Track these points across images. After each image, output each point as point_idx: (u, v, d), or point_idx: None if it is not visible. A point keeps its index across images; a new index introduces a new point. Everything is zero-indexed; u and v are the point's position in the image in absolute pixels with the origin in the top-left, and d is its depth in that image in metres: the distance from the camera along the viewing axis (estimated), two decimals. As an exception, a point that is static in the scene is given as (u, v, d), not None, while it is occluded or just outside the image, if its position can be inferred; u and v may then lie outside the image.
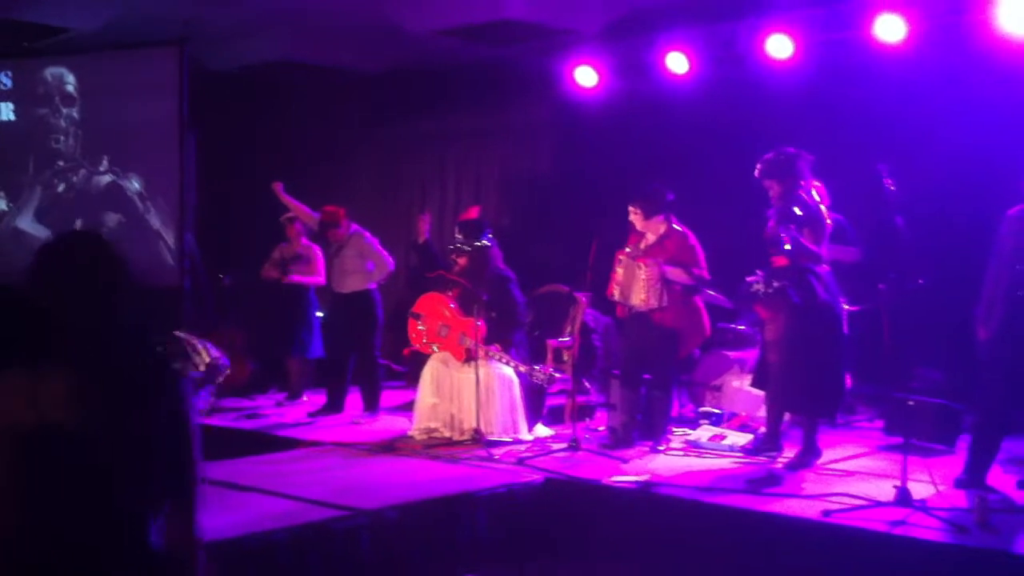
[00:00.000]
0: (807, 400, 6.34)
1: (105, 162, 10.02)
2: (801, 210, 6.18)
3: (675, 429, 7.34)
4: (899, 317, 7.23)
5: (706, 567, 5.39)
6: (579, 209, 10.16)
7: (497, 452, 6.83)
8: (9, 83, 10.19)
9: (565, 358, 8.18)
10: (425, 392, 7.48)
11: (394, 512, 5.46)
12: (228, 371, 5.55)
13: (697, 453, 6.80)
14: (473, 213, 8.14)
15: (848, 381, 6.94)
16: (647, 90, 9.60)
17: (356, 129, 11.74)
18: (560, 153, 10.95)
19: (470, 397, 7.20)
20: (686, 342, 7.15)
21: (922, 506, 5.19)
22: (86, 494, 2.33)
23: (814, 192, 6.38)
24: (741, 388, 7.74)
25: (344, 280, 8.67)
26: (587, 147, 10.45)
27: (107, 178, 10.07)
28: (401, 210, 11.93)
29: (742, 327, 8.42)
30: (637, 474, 6.15)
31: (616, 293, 7.11)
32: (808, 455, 6.32)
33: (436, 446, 7.13)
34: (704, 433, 7.08)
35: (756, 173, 6.42)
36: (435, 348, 7.60)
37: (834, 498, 5.46)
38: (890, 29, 7.87)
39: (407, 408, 8.17)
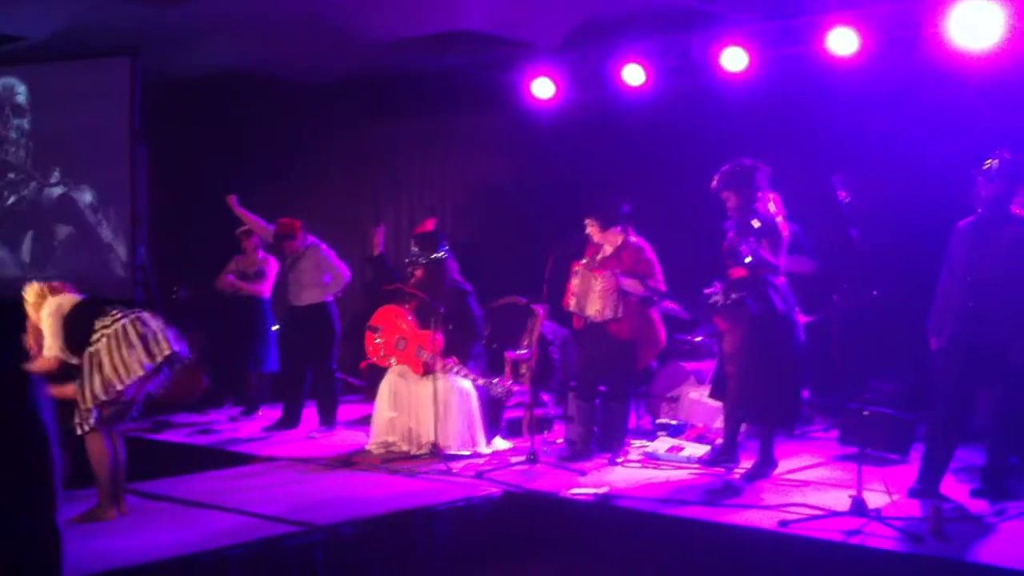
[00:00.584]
0: (765, 411, 6.37)
1: (56, 174, 9.90)
2: (759, 222, 6.22)
3: (633, 441, 7.35)
4: (853, 328, 7.32)
5: (664, 579, 5.39)
6: (536, 221, 10.15)
7: (455, 466, 6.79)
8: (-42, 94, 10.04)
9: (523, 371, 8.16)
10: (383, 406, 7.43)
11: (350, 528, 5.42)
12: (187, 362, 5.49)
13: (655, 465, 6.81)
14: (429, 225, 8.12)
15: (805, 392, 6.98)
16: (604, 102, 9.63)
17: (311, 140, 11.65)
18: (517, 164, 10.95)
19: (428, 410, 7.16)
20: (642, 354, 7.15)
21: (877, 515, 5.22)
22: None
23: (771, 204, 6.42)
24: (698, 399, 7.76)
25: (300, 293, 8.60)
26: (544, 158, 10.46)
27: (58, 190, 9.94)
28: (356, 222, 11.85)
29: (699, 338, 8.46)
30: (595, 486, 6.14)
31: (572, 304, 7.11)
32: (765, 466, 6.35)
33: (394, 460, 7.08)
34: (661, 445, 7.09)
35: (713, 185, 6.45)
36: (392, 361, 7.56)
37: (791, 508, 5.49)
38: (843, 42, 7.95)
39: (364, 422, 8.11)
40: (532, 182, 10.60)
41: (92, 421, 5.44)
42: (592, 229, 7.14)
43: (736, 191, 6.34)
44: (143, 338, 5.51)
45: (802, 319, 6.62)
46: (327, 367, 8.51)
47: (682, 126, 9.14)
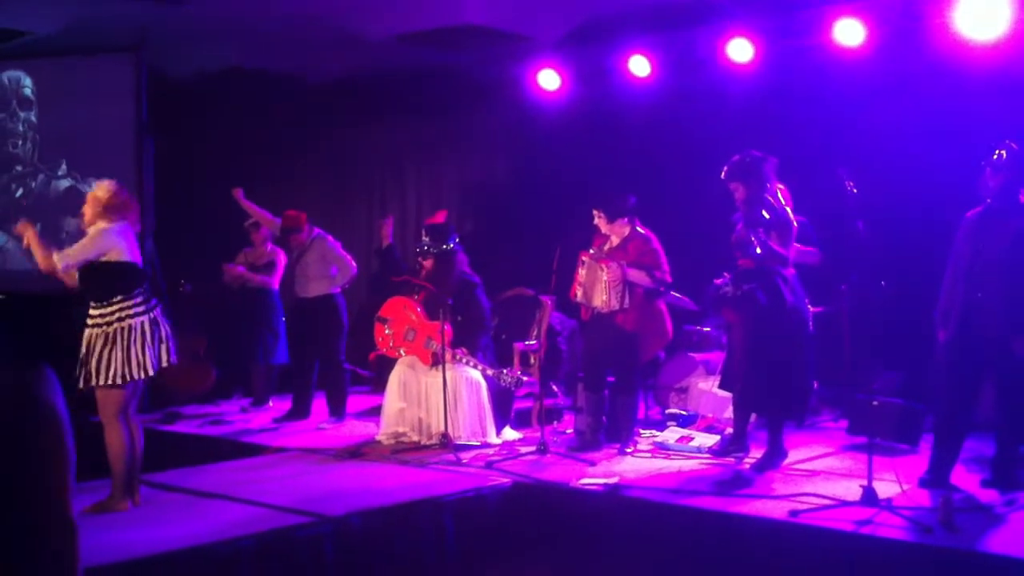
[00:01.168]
0: (775, 402, 6.38)
1: (63, 166, 9.91)
2: (769, 213, 6.23)
3: (642, 431, 7.37)
4: (860, 319, 7.33)
5: (674, 568, 5.41)
6: (543, 213, 10.17)
7: (465, 456, 6.82)
8: (-35, 87, 10.05)
9: (532, 361, 8.20)
10: (392, 396, 7.45)
11: (360, 518, 5.45)
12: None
13: (664, 455, 6.83)
14: (440, 217, 8.11)
15: (814, 383, 6.99)
16: (609, 94, 9.64)
17: (317, 135, 11.67)
18: (523, 157, 10.96)
19: (438, 401, 7.18)
20: (648, 345, 7.17)
21: (887, 505, 5.24)
22: None
23: (779, 195, 6.42)
24: (707, 390, 7.77)
25: (307, 285, 8.62)
26: (550, 151, 10.47)
27: (65, 183, 9.95)
28: (361, 216, 11.88)
29: (707, 329, 8.48)
30: (605, 477, 6.16)
31: (579, 294, 7.13)
32: (774, 456, 6.36)
33: (404, 451, 7.11)
34: (671, 435, 7.11)
35: (722, 175, 6.46)
36: (402, 352, 7.58)
37: (801, 498, 5.50)
38: (849, 33, 7.96)
39: (373, 413, 8.14)
40: (538, 174, 10.61)
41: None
42: (599, 221, 7.16)
43: (744, 182, 6.35)
44: (160, 341, 5.57)
45: (811, 310, 6.63)
46: (335, 359, 8.54)
47: (688, 118, 9.14)
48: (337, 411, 8.50)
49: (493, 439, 7.30)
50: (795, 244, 6.46)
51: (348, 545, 5.31)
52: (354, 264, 8.73)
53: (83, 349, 5.52)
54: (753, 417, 6.80)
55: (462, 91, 10.64)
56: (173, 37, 9.51)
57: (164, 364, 5.63)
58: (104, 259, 5.53)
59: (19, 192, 10.06)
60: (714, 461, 6.60)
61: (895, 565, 4.82)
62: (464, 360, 7.29)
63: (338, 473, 6.57)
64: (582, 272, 7.11)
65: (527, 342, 8.38)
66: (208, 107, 10.83)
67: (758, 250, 6.17)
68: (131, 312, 5.51)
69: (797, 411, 6.57)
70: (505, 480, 6.20)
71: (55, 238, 9.97)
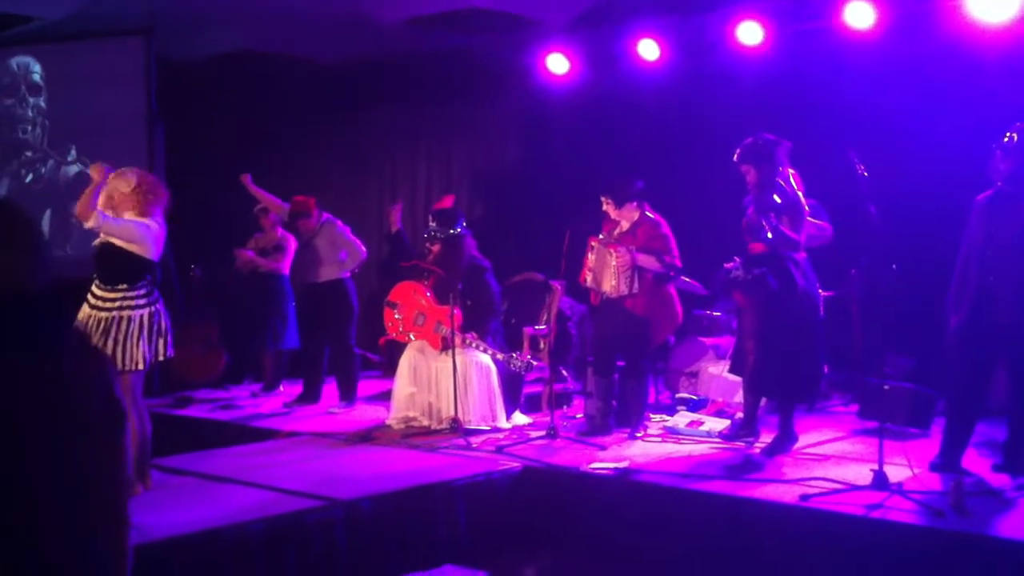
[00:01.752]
0: (786, 386, 6.37)
1: (73, 152, 9.93)
2: (780, 198, 6.21)
3: (652, 416, 7.37)
4: (871, 303, 7.31)
5: (685, 553, 5.41)
6: (552, 197, 10.15)
7: (475, 441, 6.83)
8: (-26, 73, 10.07)
9: (541, 346, 8.19)
10: (403, 381, 7.46)
11: (371, 502, 5.46)
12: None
13: (675, 439, 6.83)
14: (448, 202, 8.10)
15: (824, 367, 6.98)
16: (618, 78, 9.59)
17: (326, 119, 11.67)
18: (532, 142, 10.94)
19: (448, 386, 7.19)
20: (658, 329, 7.16)
21: (898, 489, 5.23)
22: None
23: (791, 179, 6.40)
24: (718, 374, 7.76)
25: (317, 270, 8.62)
26: (559, 135, 10.44)
27: (75, 168, 9.98)
28: (371, 201, 11.87)
29: (717, 313, 8.46)
30: (615, 461, 6.16)
31: (588, 279, 7.12)
32: (785, 440, 6.35)
33: (414, 435, 7.12)
34: (681, 419, 7.11)
35: (735, 158, 6.43)
36: (411, 337, 7.58)
37: (812, 482, 5.50)
38: (859, 16, 7.91)
39: (384, 397, 8.15)
40: (549, 159, 10.58)
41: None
42: (608, 207, 7.14)
43: (757, 165, 6.32)
44: (159, 335, 5.59)
45: (822, 294, 6.61)
46: (346, 343, 8.54)
47: (697, 101, 9.10)
48: (347, 396, 8.51)
49: (503, 424, 7.30)
50: (808, 221, 6.43)
51: (358, 529, 5.33)
52: (363, 248, 8.73)
53: (79, 327, 5.53)
54: (763, 401, 6.80)
55: (472, 75, 10.61)
56: (182, 21, 9.50)
57: (160, 358, 5.66)
58: (125, 247, 5.55)
59: (29, 178, 10.09)
60: (724, 445, 6.59)
61: (906, 549, 4.81)
62: (474, 344, 7.30)
63: (348, 457, 6.58)
64: (591, 257, 7.10)
65: (537, 327, 8.37)
66: (218, 91, 10.83)
67: (769, 234, 6.15)
68: (132, 303, 5.53)
69: (808, 395, 6.56)
70: (515, 465, 6.21)
71: (65, 224, 10.01)
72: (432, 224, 7.67)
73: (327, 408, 8.41)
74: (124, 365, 5.47)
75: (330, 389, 8.70)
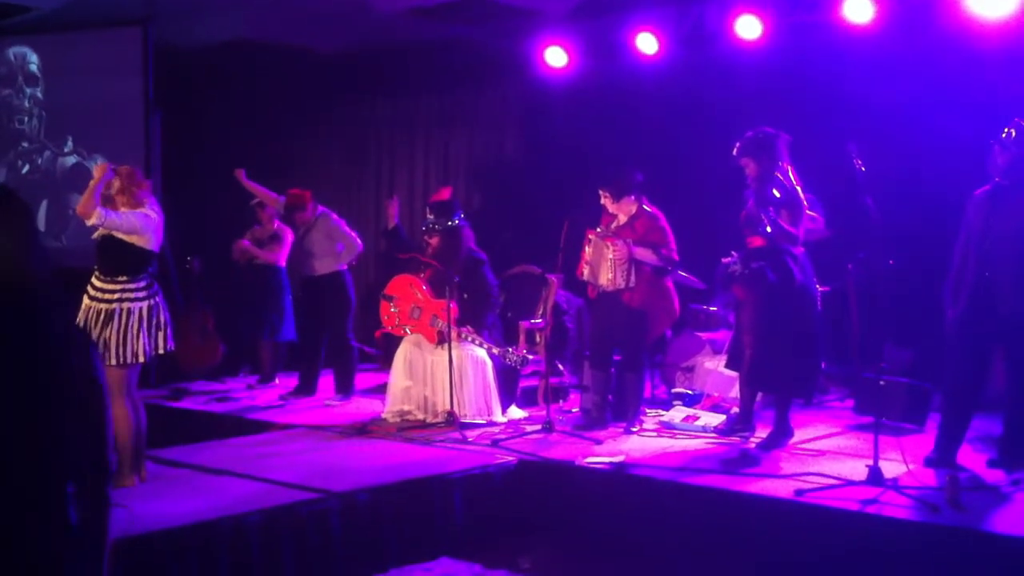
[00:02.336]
0: (783, 380, 6.37)
1: (70, 142, 9.91)
2: (779, 192, 6.20)
3: (648, 410, 7.37)
4: (868, 297, 7.29)
5: (680, 547, 5.42)
6: (550, 190, 10.13)
7: (471, 434, 6.82)
8: (-30, 63, 10.04)
9: (538, 340, 8.19)
10: (398, 374, 7.45)
11: (366, 495, 5.46)
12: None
13: (670, 434, 6.83)
14: (445, 194, 8.08)
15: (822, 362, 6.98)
16: (617, 71, 9.57)
17: (323, 110, 11.65)
18: (530, 134, 10.91)
19: (444, 379, 7.18)
20: (655, 323, 7.15)
21: (893, 485, 5.23)
22: None
23: (790, 173, 6.39)
24: (714, 369, 7.76)
25: (313, 263, 8.60)
26: (557, 128, 10.41)
27: (72, 159, 9.96)
28: (369, 189, 11.85)
29: (714, 308, 8.45)
30: (611, 455, 6.16)
31: (585, 272, 7.11)
32: (781, 435, 6.35)
33: (409, 428, 7.12)
34: (677, 414, 7.11)
35: (734, 151, 6.42)
36: (408, 330, 7.57)
37: (807, 477, 5.50)
38: (858, 10, 7.89)
39: (380, 390, 8.14)
40: (547, 151, 10.56)
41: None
42: (606, 199, 7.12)
43: (756, 159, 6.31)
44: (158, 328, 5.59)
45: (820, 289, 6.61)
46: (343, 336, 8.54)
47: (696, 94, 9.08)
48: (344, 388, 8.50)
49: (499, 417, 7.30)
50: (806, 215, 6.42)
51: (354, 521, 5.33)
52: (359, 241, 8.71)
53: (80, 319, 5.54)
54: (760, 396, 6.79)
55: (470, 66, 10.58)
56: (180, 10, 9.47)
57: (160, 351, 5.67)
58: (126, 239, 5.55)
59: (25, 168, 10.07)
60: (720, 440, 6.59)
61: (901, 544, 4.82)
62: (470, 338, 7.29)
63: (344, 450, 6.58)
64: (588, 250, 7.09)
65: (533, 320, 8.37)
66: (215, 81, 10.80)
67: (768, 228, 6.14)
68: (132, 296, 5.54)
69: (804, 390, 6.56)
70: (511, 458, 6.21)
71: (62, 215, 10.00)
72: (430, 216, 7.66)
73: (323, 401, 8.40)
74: (124, 358, 5.47)
75: (326, 381, 8.69)
